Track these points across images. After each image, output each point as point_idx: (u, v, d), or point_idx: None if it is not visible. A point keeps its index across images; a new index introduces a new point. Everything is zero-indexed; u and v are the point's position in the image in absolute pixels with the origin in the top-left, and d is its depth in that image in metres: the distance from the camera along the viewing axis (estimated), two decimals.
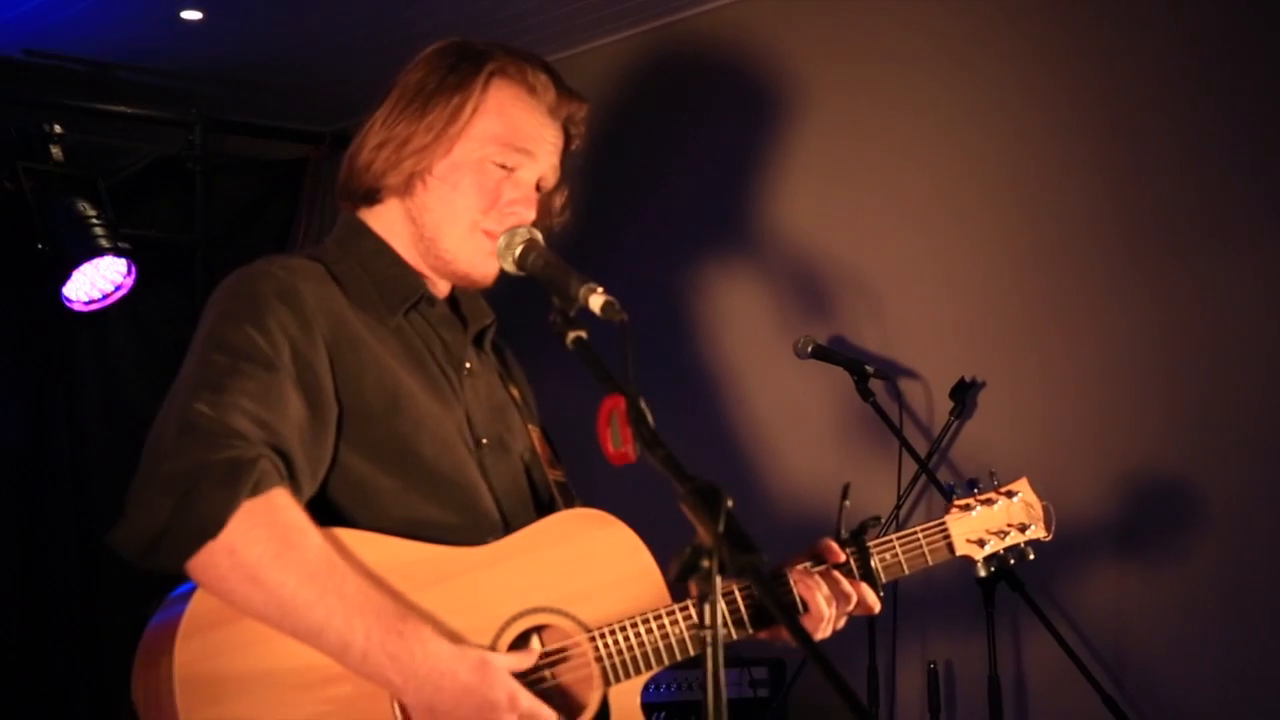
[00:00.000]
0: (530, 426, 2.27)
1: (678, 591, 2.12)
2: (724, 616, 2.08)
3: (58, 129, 4.48)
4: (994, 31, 4.11)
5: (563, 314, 1.93)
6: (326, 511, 1.98)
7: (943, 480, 3.83)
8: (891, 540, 2.27)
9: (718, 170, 4.68)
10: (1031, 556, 2.42)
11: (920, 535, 2.30)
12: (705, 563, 1.50)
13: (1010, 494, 2.40)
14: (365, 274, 2.12)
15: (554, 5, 4.63)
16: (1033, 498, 2.42)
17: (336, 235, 2.19)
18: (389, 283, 2.13)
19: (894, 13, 4.31)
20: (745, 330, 4.52)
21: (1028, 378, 3.95)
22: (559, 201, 2.27)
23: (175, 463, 1.83)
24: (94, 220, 4.34)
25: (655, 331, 4.67)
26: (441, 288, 2.21)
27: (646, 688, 3.08)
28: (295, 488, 1.90)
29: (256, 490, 1.82)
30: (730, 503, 1.55)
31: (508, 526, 2.09)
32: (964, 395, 3.99)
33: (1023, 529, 2.39)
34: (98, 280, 4.37)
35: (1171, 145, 3.77)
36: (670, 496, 1.60)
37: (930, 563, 2.30)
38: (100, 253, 4.30)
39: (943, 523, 2.33)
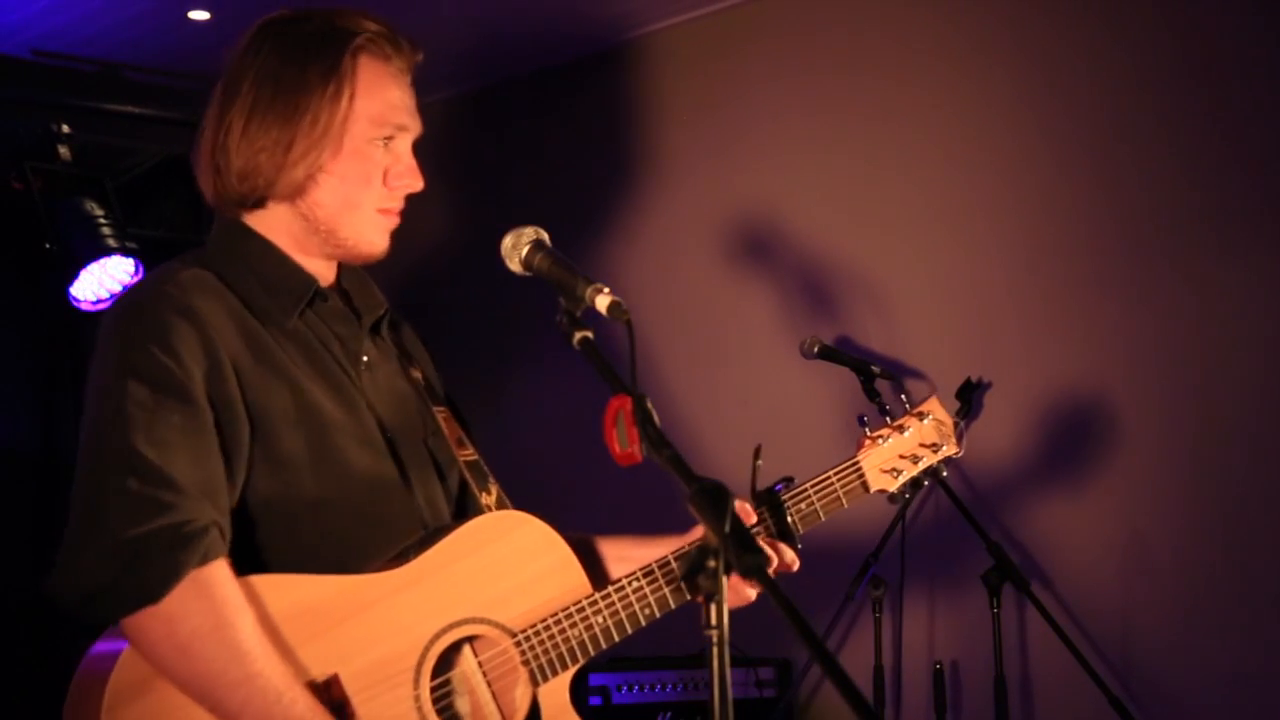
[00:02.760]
0: (436, 408, 2.22)
1: (598, 579, 2.13)
2: (635, 608, 2.08)
3: (65, 129, 4.48)
4: (998, 34, 4.11)
5: (569, 314, 1.93)
6: (242, 531, 1.95)
7: (949, 482, 3.83)
8: (806, 488, 2.24)
9: (724, 172, 4.68)
10: (944, 474, 2.38)
11: (834, 478, 2.26)
12: (711, 563, 1.51)
13: (921, 415, 2.36)
14: (254, 277, 2.05)
15: (562, 8, 4.63)
16: (943, 415, 2.37)
17: (215, 238, 2.11)
18: (279, 283, 2.06)
19: (900, 16, 4.31)
20: (751, 331, 4.52)
21: (1034, 378, 3.95)
22: None
23: (124, 520, 1.81)
24: (102, 220, 4.35)
25: (661, 332, 4.67)
26: (328, 275, 2.15)
27: (653, 687, 3.11)
28: (228, 543, 1.89)
29: (204, 560, 1.82)
30: (736, 503, 1.56)
31: (421, 516, 2.08)
32: (970, 395, 3.98)
33: (935, 449, 2.34)
34: (105, 280, 4.37)
35: (1175, 146, 3.77)
36: (676, 497, 1.60)
37: (846, 504, 2.26)
38: (108, 252, 4.30)
39: (855, 460, 2.30)
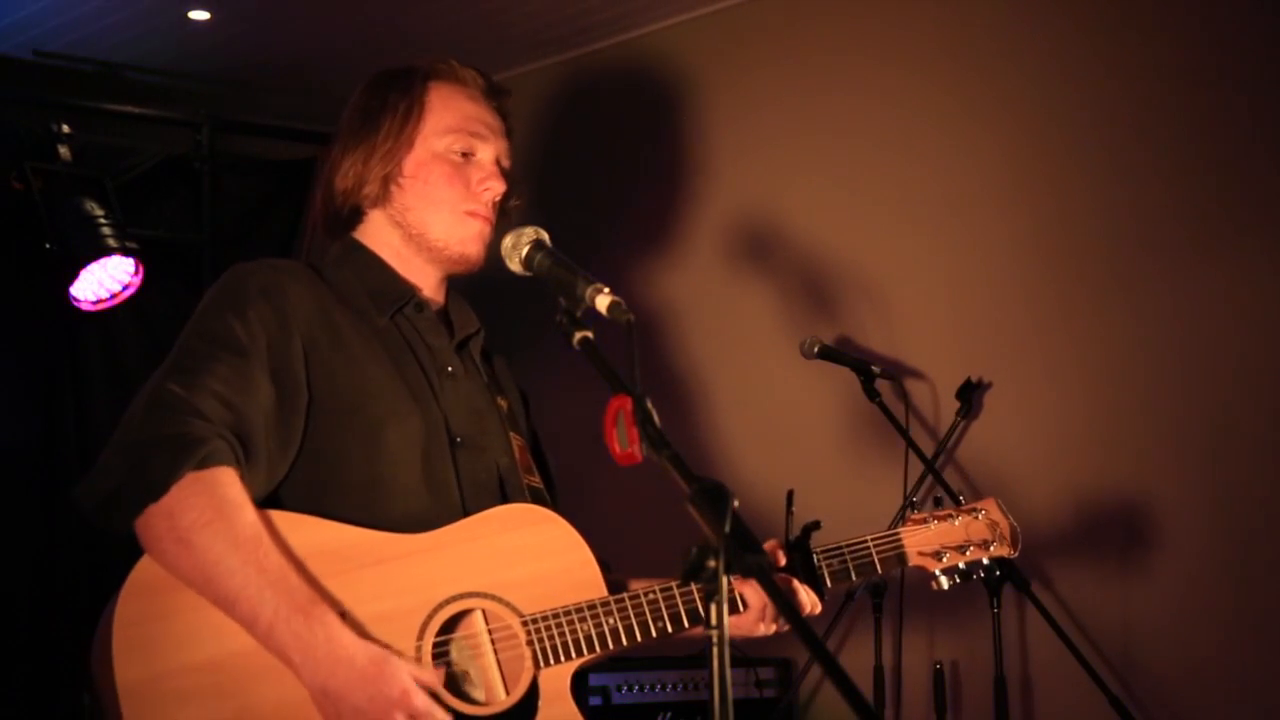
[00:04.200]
0: (513, 435, 2.33)
1: (615, 588, 2.17)
2: (663, 611, 2.13)
3: (66, 129, 4.47)
4: (1001, 29, 4.11)
5: (569, 314, 1.94)
6: (292, 496, 2.09)
7: (950, 481, 3.84)
8: (841, 547, 2.32)
9: (725, 171, 4.68)
10: (998, 573, 2.47)
11: (870, 543, 2.34)
12: (711, 563, 1.51)
13: (973, 511, 2.43)
14: (359, 282, 2.26)
15: (565, 4, 4.63)
16: (999, 516, 2.44)
17: (334, 254, 2.33)
18: (380, 288, 2.26)
19: (902, 11, 4.31)
20: (751, 331, 4.52)
21: (1034, 378, 3.95)
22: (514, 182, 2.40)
23: (137, 433, 2.00)
24: (102, 220, 4.34)
25: (661, 332, 4.67)
26: (435, 295, 2.33)
27: (653, 687, 3.07)
28: (252, 467, 2.03)
29: (203, 464, 1.96)
30: (736, 503, 1.56)
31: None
32: (970, 396, 3.99)
33: (985, 545, 2.41)
34: (105, 280, 4.37)
35: (1181, 145, 3.77)
36: (676, 497, 1.60)
37: (880, 571, 2.35)
38: (108, 252, 4.30)
39: (896, 533, 2.37)
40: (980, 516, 2.42)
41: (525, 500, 2.25)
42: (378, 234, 2.30)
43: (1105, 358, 3.84)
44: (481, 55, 5.01)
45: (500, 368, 2.47)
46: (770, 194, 4.54)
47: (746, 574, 1.51)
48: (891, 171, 4.29)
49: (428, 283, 2.31)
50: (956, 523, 2.40)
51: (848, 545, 2.32)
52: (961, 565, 2.39)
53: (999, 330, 4.04)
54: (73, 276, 4.32)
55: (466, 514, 2.14)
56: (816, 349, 3.95)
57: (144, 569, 1.97)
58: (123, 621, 1.93)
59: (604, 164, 5.04)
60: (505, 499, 2.23)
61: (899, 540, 2.36)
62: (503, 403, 2.36)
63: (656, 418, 1.73)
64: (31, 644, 4.69)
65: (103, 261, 4.33)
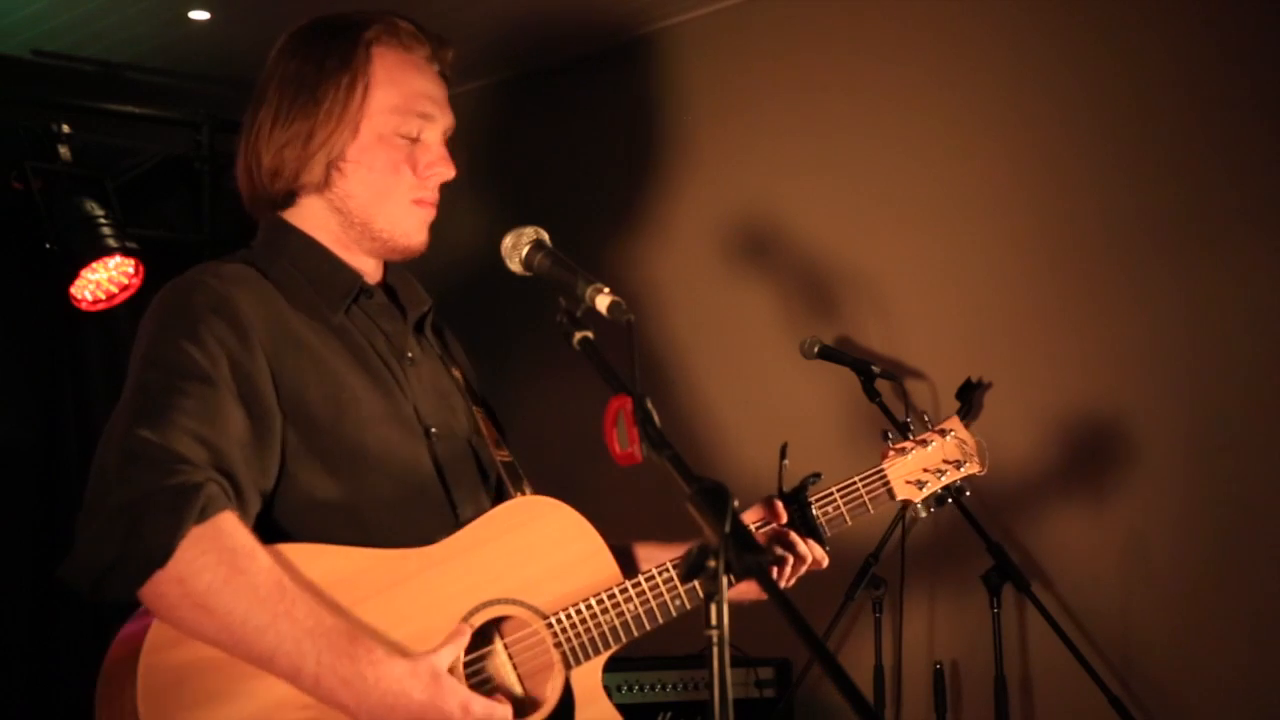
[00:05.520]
0: (475, 408, 2.25)
1: (629, 568, 2.15)
2: (665, 598, 2.11)
3: (66, 129, 4.48)
4: (1002, 29, 4.11)
5: (569, 314, 1.93)
6: (278, 521, 1.98)
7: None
8: (832, 492, 2.29)
9: (724, 170, 4.68)
10: (968, 493, 2.45)
11: (859, 483, 2.32)
12: (711, 563, 1.50)
13: (943, 432, 2.41)
14: (299, 273, 2.10)
15: (568, 5, 4.63)
16: (965, 434, 2.42)
17: (262, 238, 2.17)
18: (325, 279, 2.11)
19: (901, 11, 4.31)
20: (751, 330, 4.52)
21: (1034, 378, 3.95)
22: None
23: (121, 493, 1.81)
24: (102, 220, 4.35)
25: (661, 332, 4.67)
26: (375, 275, 2.19)
27: (653, 687, 3.08)
28: (242, 505, 1.89)
29: (203, 516, 1.81)
30: (736, 503, 1.56)
31: (456, 513, 2.09)
32: (970, 396, 3.98)
33: (958, 466, 2.40)
34: (105, 280, 4.38)
35: (1184, 141, 3.76)
36: (676, 497, 1.60)
37: (871, 510, 2.32)
38: (108, 252, 4.30)
39: (880, 469, 2.35)
40: (950, 437, 2.41)
41: (500, 479, 2.19)
42: (313, 218, 2.13)
43: (1108, 357, 3.84)
44: (485, 56, 5.03)
45: (449, 337, 2.36)
46: (771, 194, 4.54)
47: (746, 574, 1.50)
48: (893, 170, 4.29)
49: (367, 265, 2.17)
50: (931, 447, 2.39)
51: (838, 488, 2.29)
52: (939, 491, 2.39)
53: (1000, 330, 4.04)
54: (72, 276, 4.32)
55: (452, 503, 2.09)
56: (816, 349, 3.95)
57: (159, 633, 1.83)
58: (148, 693, 1.80)
59: (601, 164, 5.04)
60: (483, 477, 2.18)
61: (884, 475, 2.34)
62: (457, 374, 2.28)
63: (657, 418, 1.73)
64: (31, 644, 4.70)
65: (103, 261, 4.33)
